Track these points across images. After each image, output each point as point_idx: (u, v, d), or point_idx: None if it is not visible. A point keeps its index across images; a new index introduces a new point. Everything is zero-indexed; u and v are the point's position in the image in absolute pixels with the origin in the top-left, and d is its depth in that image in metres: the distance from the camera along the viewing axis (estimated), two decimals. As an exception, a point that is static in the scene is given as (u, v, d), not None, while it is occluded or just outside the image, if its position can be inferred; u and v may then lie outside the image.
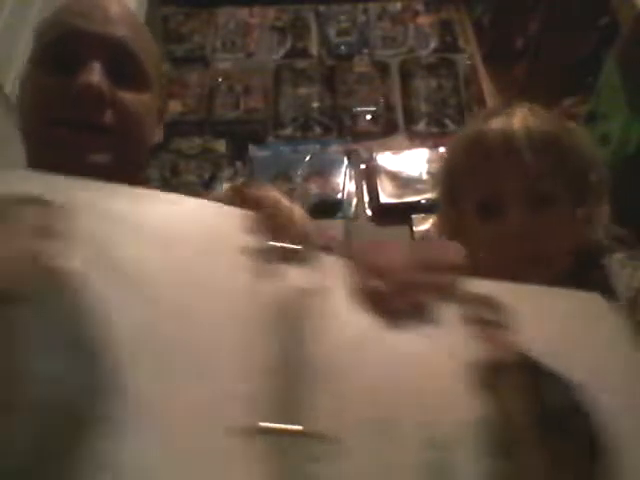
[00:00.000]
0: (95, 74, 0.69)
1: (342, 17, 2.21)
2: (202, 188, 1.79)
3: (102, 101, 0.69)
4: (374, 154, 1.83)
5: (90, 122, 0.70)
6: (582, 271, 0.64)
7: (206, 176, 1.82)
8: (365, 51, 2.12)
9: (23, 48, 1.32)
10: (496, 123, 0.66)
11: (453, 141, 0.71)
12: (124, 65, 0.72)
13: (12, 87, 1.24)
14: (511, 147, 0.63)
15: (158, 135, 0.83)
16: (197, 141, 1.88)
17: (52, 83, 0.70)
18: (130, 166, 0.77)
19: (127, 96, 0.72)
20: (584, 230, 0.63)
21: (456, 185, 0.69)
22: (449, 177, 0.70)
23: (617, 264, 0.62)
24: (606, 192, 0.66)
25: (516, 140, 0.63)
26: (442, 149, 1.82)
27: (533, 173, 0.62)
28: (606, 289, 0.59)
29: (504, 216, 0.63)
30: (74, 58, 0.70)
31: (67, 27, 0.72)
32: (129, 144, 0.74)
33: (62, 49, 0.71)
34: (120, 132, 0.72)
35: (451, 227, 0.71)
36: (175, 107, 1.91)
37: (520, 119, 0.65)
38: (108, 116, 0.70)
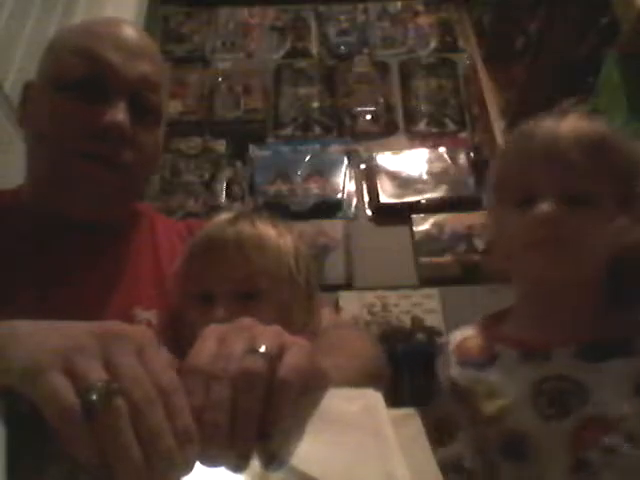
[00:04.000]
0: (121, 113, 0.71)
1: (342, 17, 2.20)
2: (202, 188, 1.79)
3: (124, 140, 0.72)
4: (374, 154, 1.83)
5: (109, 158, 0.72)
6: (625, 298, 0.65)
7: (206, 176, 1.81)
8: (365, 51, 2.12)
9: (23, 48, 1.32)
10: (546, 125, 0.68)
11: (506, 140, 0.74)
12: (146, 101, 0.75)
13: (12, 87, 1.24)
14: (555, 147, 0.64)
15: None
16: (197, 141, 1.88)
17: (76, 112, 0.71)
18: (131, 195, 0.81)
19: (145, 135, 0.75)
20: (623, 238, 0.62)
21: (503, 183, 0.72)
22: (498, 175, 0.73)
23: None
24: None
25: (561, 140, 0.64)
26: (442, 149, 1.83)
27: (572, 172, 0.63)
28: None
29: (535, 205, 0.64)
30: (102, 91, 0.72)
31: (98, 59, 0.72)
32: (139, 179, 0.79)
33: (91, 80, 0.72)
34: (133, 169, 0.75)
35: (496, 223, 0.73)
36: (175, 107, 1.90)
37: (569, 121, 0.66)
38: (127, 154, 0.73)
